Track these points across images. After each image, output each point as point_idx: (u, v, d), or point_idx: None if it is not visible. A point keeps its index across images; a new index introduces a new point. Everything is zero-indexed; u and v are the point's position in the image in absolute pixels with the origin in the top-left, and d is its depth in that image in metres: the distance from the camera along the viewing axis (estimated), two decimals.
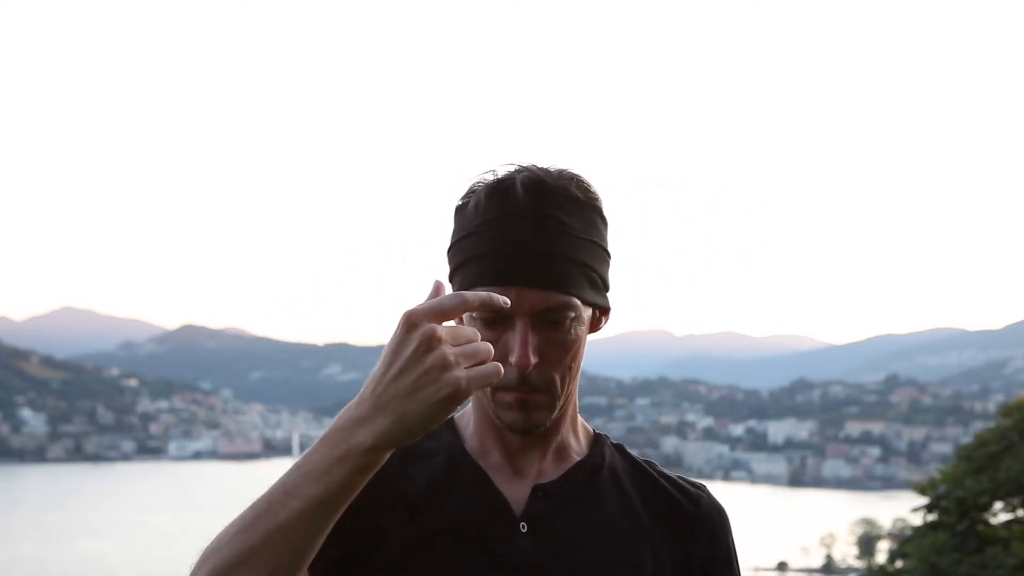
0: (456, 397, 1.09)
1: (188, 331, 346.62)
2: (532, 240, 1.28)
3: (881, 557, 47.54)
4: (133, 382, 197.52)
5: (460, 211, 1.34)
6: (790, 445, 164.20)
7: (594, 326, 1.38)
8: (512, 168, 1.32)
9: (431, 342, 1.09)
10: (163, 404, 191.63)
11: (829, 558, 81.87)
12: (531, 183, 1.29)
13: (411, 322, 1.10)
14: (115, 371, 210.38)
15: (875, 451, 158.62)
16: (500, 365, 1.14)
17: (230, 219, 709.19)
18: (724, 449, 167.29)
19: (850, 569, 75.08)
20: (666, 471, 1.44)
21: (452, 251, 1.34)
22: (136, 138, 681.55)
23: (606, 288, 1.36)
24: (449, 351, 1.10)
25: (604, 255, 1.34)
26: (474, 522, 1.32)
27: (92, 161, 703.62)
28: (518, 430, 1.33)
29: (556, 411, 1.34)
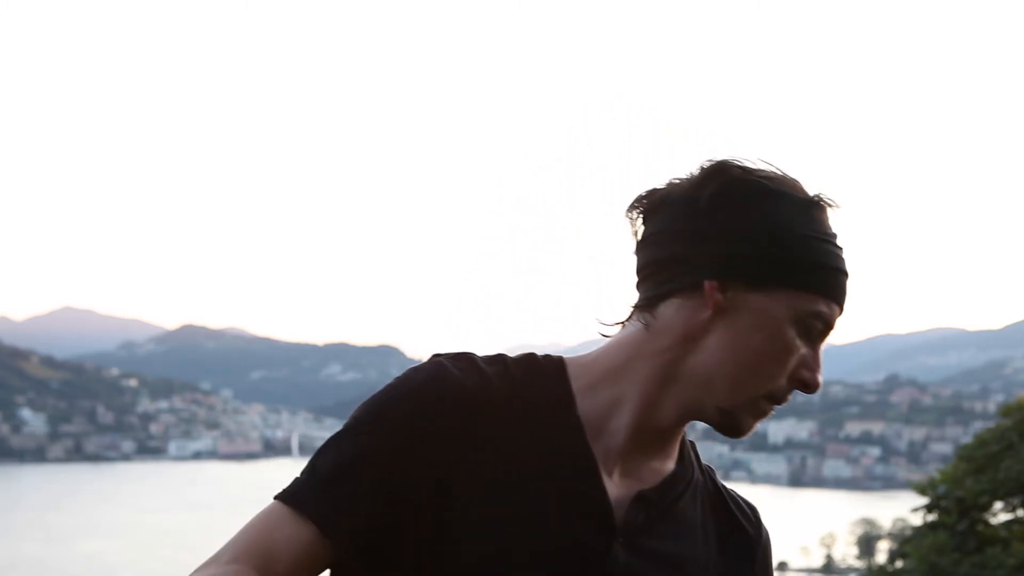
0: None
1: (188, 331, 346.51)
2: (845, 268, 1.27)
3: (881, 557, 47.51)
4: (133, 382, 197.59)
5: (772, 198, 1.21)
6: (790, 445, 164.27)
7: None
8: (777, 171, 1.23)
9: None
10: (163, 404, 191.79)
11: (829, 558, 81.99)
12: (827, 208, 1.27)
13: None
14: (115, 371, 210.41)
15: (875, 451, 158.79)
16: None
17: (230, 219, 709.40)
18: (724, 449, 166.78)
19: (850, 569, 75.19)
20: (724, 485, 1.37)
21: (781, 235, 1.21)
22: (136, 138, 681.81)
23: None
24: None
25: None
26: (568, 526, 1.16)
27: (92, 161, 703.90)
28: (734, 434, 1.24)
29: None
